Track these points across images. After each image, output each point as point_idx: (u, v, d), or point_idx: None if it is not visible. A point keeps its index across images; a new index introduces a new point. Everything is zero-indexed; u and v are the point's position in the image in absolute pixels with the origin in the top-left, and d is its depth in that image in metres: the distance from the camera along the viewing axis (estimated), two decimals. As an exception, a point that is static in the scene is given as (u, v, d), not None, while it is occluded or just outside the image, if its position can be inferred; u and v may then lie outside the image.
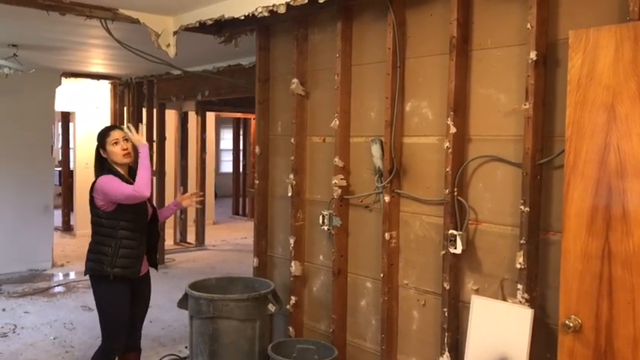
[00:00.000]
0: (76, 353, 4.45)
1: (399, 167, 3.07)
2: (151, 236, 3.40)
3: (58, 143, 10.78)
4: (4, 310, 5.44)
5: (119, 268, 3.19)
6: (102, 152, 3.27)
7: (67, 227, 9.56)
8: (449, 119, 2.78)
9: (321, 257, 3.61)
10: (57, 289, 6.26)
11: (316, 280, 3.66)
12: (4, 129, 6.65)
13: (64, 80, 7.23)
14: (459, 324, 2.84)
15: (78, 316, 5.28)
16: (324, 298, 3.57)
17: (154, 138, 7.49)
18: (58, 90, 7.15)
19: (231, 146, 12.49)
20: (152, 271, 3.50)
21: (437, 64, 2.90)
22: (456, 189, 2.78)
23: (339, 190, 3.37)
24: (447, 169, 2.79)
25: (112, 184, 3.14)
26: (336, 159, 3.38)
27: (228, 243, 9.11)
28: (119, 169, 3.25)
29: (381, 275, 3.14)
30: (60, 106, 7.83)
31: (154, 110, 7.52)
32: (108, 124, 8.14)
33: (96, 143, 3.30)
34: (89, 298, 5.82)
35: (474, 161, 2.77)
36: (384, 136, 3.10)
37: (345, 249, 3.43)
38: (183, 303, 3.59)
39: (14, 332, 4.83)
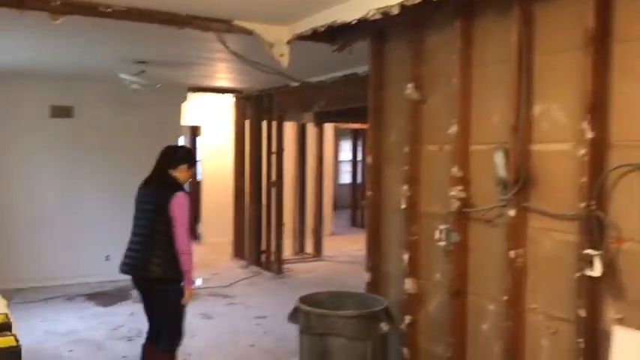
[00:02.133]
0: (193, 361, 4.54)
1: (526, 178, 2.76)
2: None
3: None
4: (131, 314, 5.71)
5: (176, 272, 3.63)
6: (182, 165, 3.71)
7: (194, 236, 10.02)
8: (585, 123, 2.44)
9: (438, 275, 3.36)
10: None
11: (433, 300, 3.42)
12: (131, 142, 7.05)
13: (191, 95, 7.56)
14: (597, 358, 2.46)
15: (198, 325, 5.41)
16: (442, 319, 3.32)
17: (273, 150, 7.61)
18: (187, 104, 7.47)
19: (349, 157, 12.52)
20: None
21: (570, 62, 2.57)
22: (593, 202, 2.43)
23: (458, 203, 3.12)
24: (583, 180, 2.45)
25: (185, 218, 3.58)
26: (455, 169, 3.13)
27: (346, 254, 9.03)
28: None
29: (505, 298, 2.84)
30: (188, 120, 8.22)
31: (273, 123, 7.65)
32: (232, 137, 8.46)
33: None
34: (210, 307, 6.01)
35: (615, 170, 2.40)
36: (509, 142, 2.82)
37: (465, 267, 3.15)
38: (294, 317, 3.51)
39: (139, 337, 5.03)
